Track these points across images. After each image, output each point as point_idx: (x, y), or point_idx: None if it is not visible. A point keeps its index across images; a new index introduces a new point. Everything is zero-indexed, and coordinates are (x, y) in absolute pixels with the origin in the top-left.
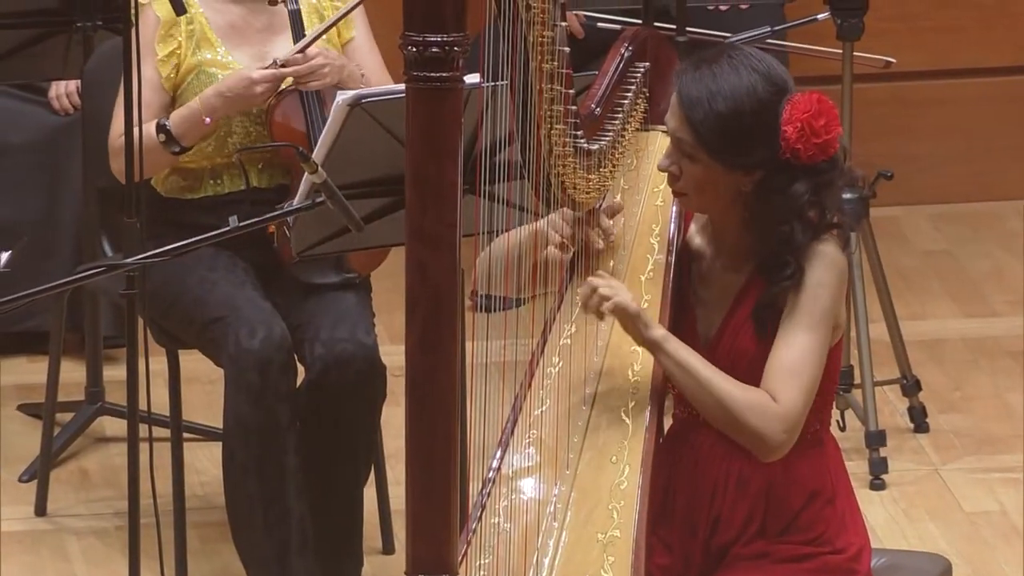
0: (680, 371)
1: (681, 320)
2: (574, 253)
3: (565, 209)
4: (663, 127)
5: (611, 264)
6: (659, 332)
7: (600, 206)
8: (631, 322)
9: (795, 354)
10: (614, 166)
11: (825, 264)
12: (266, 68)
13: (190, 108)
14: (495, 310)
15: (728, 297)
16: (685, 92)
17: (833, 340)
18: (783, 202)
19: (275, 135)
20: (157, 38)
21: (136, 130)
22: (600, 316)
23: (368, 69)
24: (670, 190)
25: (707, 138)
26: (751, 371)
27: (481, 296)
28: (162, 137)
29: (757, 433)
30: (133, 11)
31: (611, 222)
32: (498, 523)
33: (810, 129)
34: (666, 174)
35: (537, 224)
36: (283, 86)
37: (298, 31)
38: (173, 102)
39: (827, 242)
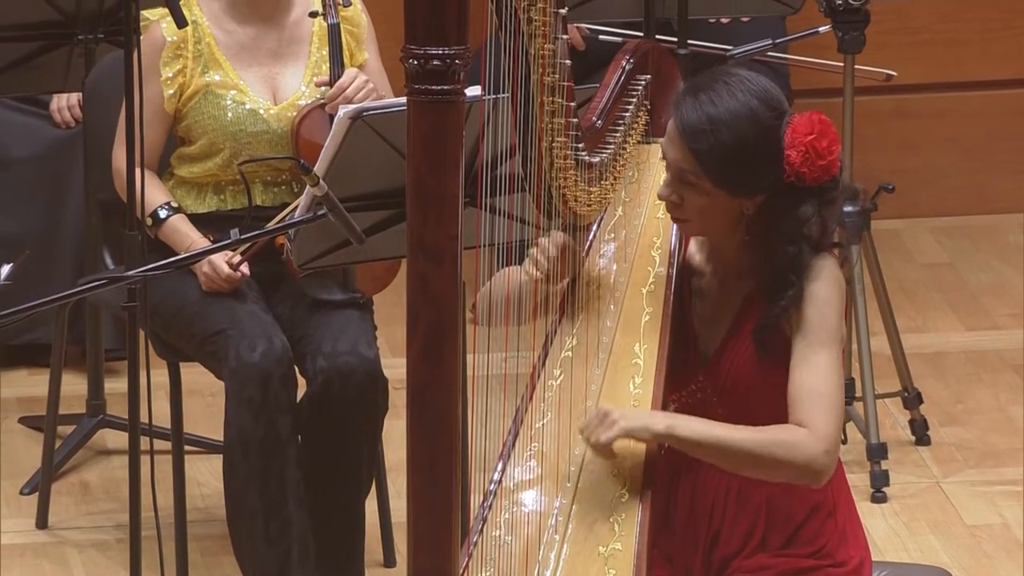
0: (703, 448)
1: (682, 336)
2: (574, 276)
3: (555, 232)
4: (664, 140)
5: (612, 278)
6: (662, 422)
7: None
8: (637, 433)
9: (818, 375)
10: (615, 179)
11: (828, 281)
12: (318, 83)
13: (180, 238)
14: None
15: (728, 315)
16: (686, 122)
17: None
18: (789, 224)
19: (301, 150)
20: (163, 58)
21: (138, 152)
22: (608, 451)
23: (379, 91)
24: None
25: (712, 168)
26: (752, 389)
27: (480, 309)
28: (149, 221)
29: (796, 465)
30: (136, 26)
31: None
32: (499, 536)
33: (814, 152)
34: (666, 203)
35: (533, 258)
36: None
37: (336, 45)
38: (178, 122)
39: (826, 258)
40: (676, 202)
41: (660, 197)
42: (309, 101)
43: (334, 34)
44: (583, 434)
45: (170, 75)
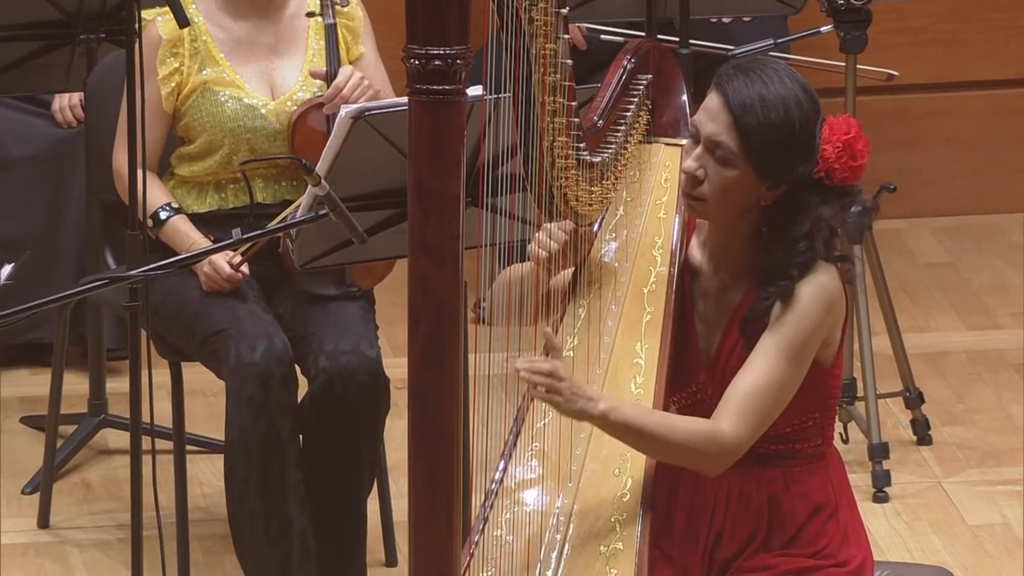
0: (631, 435)
1: (683, 335)
2: (576, 267)
3: (566, 223)
4: (665, 139)
5: (613, 278)
6: (600, 405)
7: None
8: (566, 407)
9: (758, 381)
10: (617, 178)
11: (816, 293)
12: (315, 75)
13: (181, 239)
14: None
15: (727, 314)
16: (735, 97)
17: (828, 359)
18: (806, 220)
19: (298, 144)
20: (159, 57)
21: (139, 152)
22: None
23: (376, 86)
24: (673, 202)
25: (754, 145)
26: None
27: (484, 308)
28: (150, 222)
29: (703, 465)
30: (137, 25)
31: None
32: (501, 535)
33: (850, 151)
34: (677, 182)
35: (537, 248)
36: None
37: (332, 44)
38: (176, 121)
39: (829, 270)
40: (700, 177)
41: (685, 170)
42: (307, 96)
43: (331, 34)
44: (524, 371)
45: (166, 73)
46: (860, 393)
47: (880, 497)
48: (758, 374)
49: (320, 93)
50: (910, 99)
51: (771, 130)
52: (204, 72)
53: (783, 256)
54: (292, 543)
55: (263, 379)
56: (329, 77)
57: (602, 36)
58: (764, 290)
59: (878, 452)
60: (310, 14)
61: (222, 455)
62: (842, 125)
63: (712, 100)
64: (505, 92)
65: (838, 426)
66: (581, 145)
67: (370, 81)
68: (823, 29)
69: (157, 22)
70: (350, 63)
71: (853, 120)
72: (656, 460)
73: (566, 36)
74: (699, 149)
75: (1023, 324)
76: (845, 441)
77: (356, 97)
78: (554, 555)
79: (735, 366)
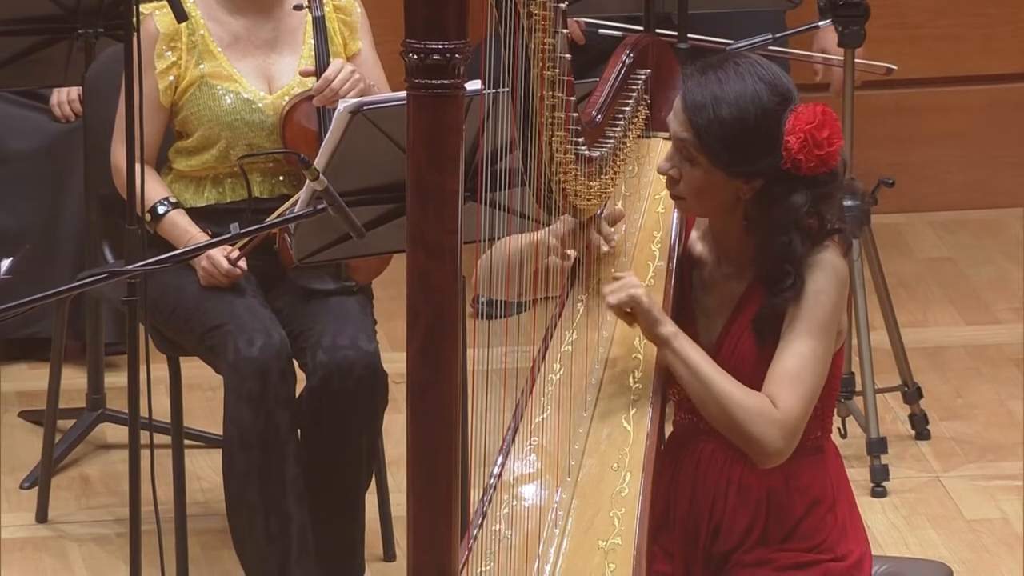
0: (686, 370)
1: (683, 328)
2: (575, 261)
3: (566, 216)
4: (664, 134)
5: (612, 272)
6: (669, 328)
7: (601, 213)
8: (642, 316)
9: (797, 361)
10: (615, 173)
11: (826, 272)
12: (304, 73)
13: (179, 233)
14: (496, 317)
15: (729, 304)
16: (690, 96)
17: (835, 347)
18: (782, 212)
19: (288, 137)
20: (156, 51)
21: (138, 147)
22: (618, 311)
23: (372, 81)
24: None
25: (709, 144)
26: (752, 379)
27: (482, 303)
28: (148, 217)
29: (755, 439)
30: (135, 20)
31: (612, 229)
32: (499, 530)
33: (812, 140)
34: (665, 179)
35: (538, 234)
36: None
37: (321, 37)
38: (174, 115)
39: (828, 249)
40: (675, 177)
41: (659, 171)
42: (303, 91)
43: (319, 27)
44: (607, 289)
45: (164, 67)
46: (858, 388)
47: (878, 492)
48: (795, 355)
49: (311, 90)
50: (908, 94)
51: (723, 127)
52: (201, 66)
53: (767, 251)
54: (291, 538)
55: (261, 374)
56: (319, 70)
57: (600, 31)
58: (778, 297)
59: (876, 447)
60: (298, 7)
61: (220, 450)
62: (806, 115)
63: (676, 100)
64: (504, 87)
65: (836, 421)
66: (580, 140)
67: (363, 75)
68: (821, 23)
69: (154, 16)
70: (347, 59)
71: (821, 108)
72: (714, 422)
73: (565, 31)
74: (670, 149)
75: (1022, 319)
76: (843, 436)
77: (347, 90)
78: (552, 550)
79: (737, 355)
